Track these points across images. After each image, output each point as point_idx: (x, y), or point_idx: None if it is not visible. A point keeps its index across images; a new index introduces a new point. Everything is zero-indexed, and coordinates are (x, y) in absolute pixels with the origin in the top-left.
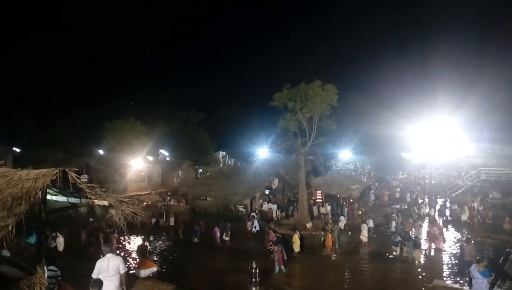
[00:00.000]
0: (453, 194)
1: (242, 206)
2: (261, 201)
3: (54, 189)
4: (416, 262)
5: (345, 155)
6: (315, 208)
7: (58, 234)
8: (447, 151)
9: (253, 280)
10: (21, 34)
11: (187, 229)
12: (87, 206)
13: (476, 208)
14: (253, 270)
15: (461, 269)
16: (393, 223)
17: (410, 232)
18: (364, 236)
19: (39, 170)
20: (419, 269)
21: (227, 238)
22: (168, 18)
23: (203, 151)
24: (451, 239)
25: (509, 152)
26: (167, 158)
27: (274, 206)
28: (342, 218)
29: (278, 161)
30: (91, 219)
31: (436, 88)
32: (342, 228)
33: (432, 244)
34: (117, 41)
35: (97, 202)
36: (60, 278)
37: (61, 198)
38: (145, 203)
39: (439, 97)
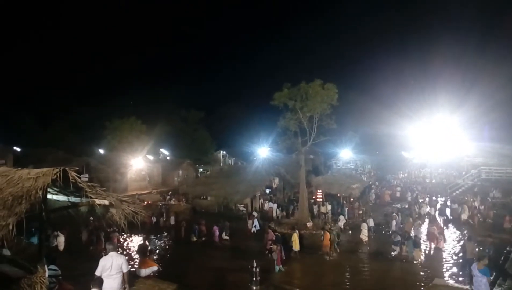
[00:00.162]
0: (454, 193)
1: (242, 205)
2: (261, 200)
3: (55, 189)
4: (416, 261)
5: (345, 154)
6: (315, 207)
7: (59, 233)
8: (447, 150)
9: (254, 279)
10: (21, 34)
11: (188, 228)
12: (87, 205)
13: (477, 207)
14: (254, 269)
15: (463, 267)
16: (394, 223)
17: (410, 231)
18: (364, 235)
19: (39, 170)
20: (420, 268)
21: (226, 237)
22: (168, 18)
23: (204, 150)
24: (451, 238)
25: (510, 151)
26: (168, 157)
27: (275, 205)
28: (341, 217)
29: (279, 160)
30: (91, 219)
31: (437, 87)
32: (342, 227)
33: (432, 243)
34: (117, 41)
35: (97, 201)
36: (60, 277)
37: (61, 197)
38: (145, 202)
39: (440, 96)
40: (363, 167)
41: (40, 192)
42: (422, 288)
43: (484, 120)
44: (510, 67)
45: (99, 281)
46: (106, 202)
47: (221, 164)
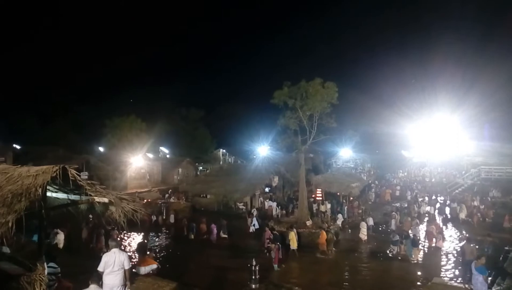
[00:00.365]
0: (453, 193)
1: (242, 204)
2: (261, 199)
3: (54, 186)
4: (415, 260)
5: (345, 153)
6: (315, 206)
7: (58, 231)
8: (447, 149)
9: (253, 277)
10: (21, 33)
11: (187, 226)
12: (87, 203)
13: (477, 206)
14: (253, 267)
15: (462, 268)
16: (393, 222)
17: (409, 230)
18: (363, 234)
19: (39, 167)
20: (418, 267)
21: (225, 236)
22: (168, 17)
23: (203, 149)
24: (451, 237)
25: (510, 151)
26: (167, 156)
27: (274, 204)
28: (339, 216)
29: (278, 159)
30: (91, 216)
31: (437, 86)
32: (340, 226)
33: (431, 242)
34: (118, 40)
35: (97, 199)
36: (60, 275)
37: (61, 195)
38: (145, 200)
39: (440, 95)
40: (363, 166)
41: (40, 190)
42: (421, 287)
43: (484, 119)
44: (510, 66)
45: (98, 277)
46: (106, 200)
47: (221, 163)
